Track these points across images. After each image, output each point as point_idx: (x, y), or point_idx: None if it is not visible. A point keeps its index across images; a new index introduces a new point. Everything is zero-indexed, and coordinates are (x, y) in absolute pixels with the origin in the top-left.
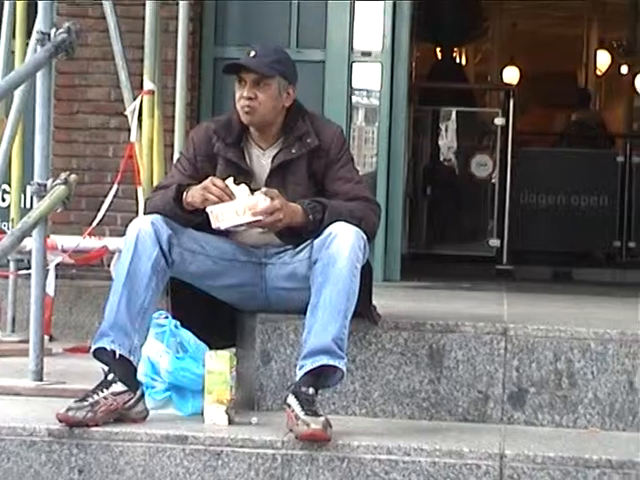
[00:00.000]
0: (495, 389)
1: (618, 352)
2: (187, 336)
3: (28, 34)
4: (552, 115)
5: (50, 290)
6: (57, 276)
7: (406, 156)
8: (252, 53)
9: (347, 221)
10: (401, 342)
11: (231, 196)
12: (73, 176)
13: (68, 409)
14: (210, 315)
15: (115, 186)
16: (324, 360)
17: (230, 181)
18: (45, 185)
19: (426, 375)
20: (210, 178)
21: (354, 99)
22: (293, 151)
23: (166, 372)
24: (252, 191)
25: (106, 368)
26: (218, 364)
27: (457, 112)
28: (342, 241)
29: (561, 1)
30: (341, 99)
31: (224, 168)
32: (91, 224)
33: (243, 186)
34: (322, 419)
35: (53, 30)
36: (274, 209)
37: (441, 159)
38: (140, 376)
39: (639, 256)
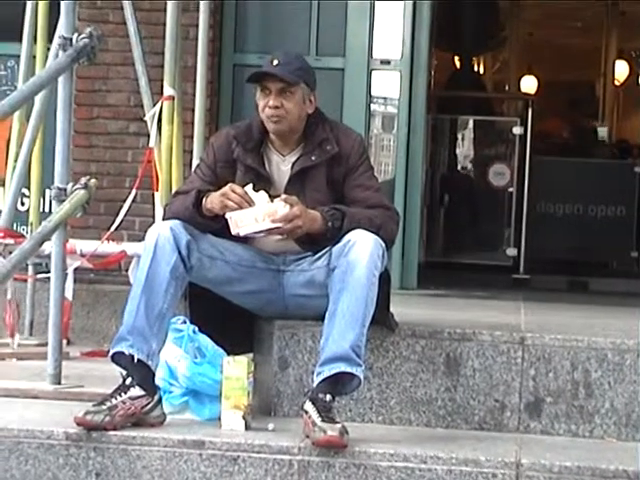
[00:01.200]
0: (512, 398)
1: (635, 362)
2: (205, 341)
3: (49, 39)
4: (570, 124)
5: (68, 294)
6: (75, 280)
7: (424, 164)
8: (275, 61)
9: (366, 229)
10: (418, 350)
11: (250, 203)
12: (93, 180)
13: (86, 413)
14: (228, 321)
15: (134, 191)
16: (341, 367)
17: (249, 188)
18: (65, 189)
19: (443, 383)
20: (229, 185)
21: (373, 107)
22: (313, 158)
23: (184, 377)
24: (271, 198)
25: (124, 372)
26: (236, 370)
27: (475, 121)
28: (361, 249)
29: (579, 11)
30: (360, 107)
31: (243, 174)
32: (109, 229)
33: (262, 193)
34: (339, 426)
35: (75, 35)
36: (293, 216)
37: (459, 168)
38: (158, 381)
39: None
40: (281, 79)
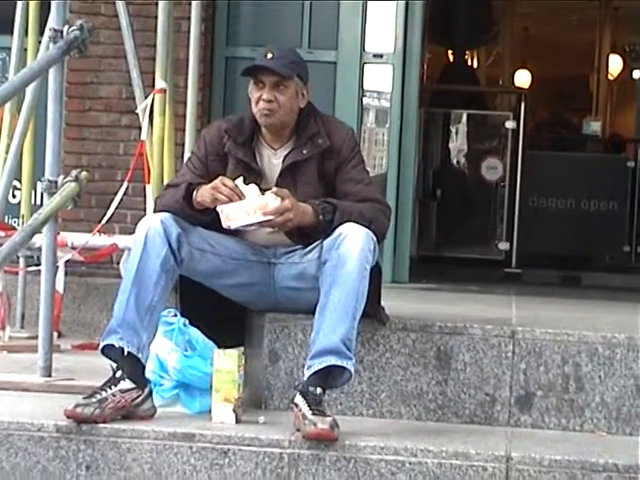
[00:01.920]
0: (502, 392)
1: (626, 356)
2: (196, 334)
3: (40, 31)
4: (563, 119)
5: (59, 287)
6: (66, 273)
7: (416, 158)
8: (269, 55)
9: (357, 222)
10: (409, 343)
11: (241, 196)
12: (84, 173)
13: (76, 405)
14: (219, 314)
15: (125, 184)
16: (332, 360)
17: (240, 181)
18: (56, 182)
19: (433, 377)
20: (220, 178)
21: (365, 100)
22: (304, 152)
23: (174, 370)
24: (262, 191)
25: (114, 365)
26: (226, 363)
27: (468, 115)
28: (352, 242)
29: (573, 5)
30: (352, 100)
31: (234, 167)
32: (101, 221)
33: (253, 186)
34: (329, 419)
35: (66, 27)
36: (284, 209)
37: (451, 162)
38: (148, 373)
39: None
40: (275, 73)
